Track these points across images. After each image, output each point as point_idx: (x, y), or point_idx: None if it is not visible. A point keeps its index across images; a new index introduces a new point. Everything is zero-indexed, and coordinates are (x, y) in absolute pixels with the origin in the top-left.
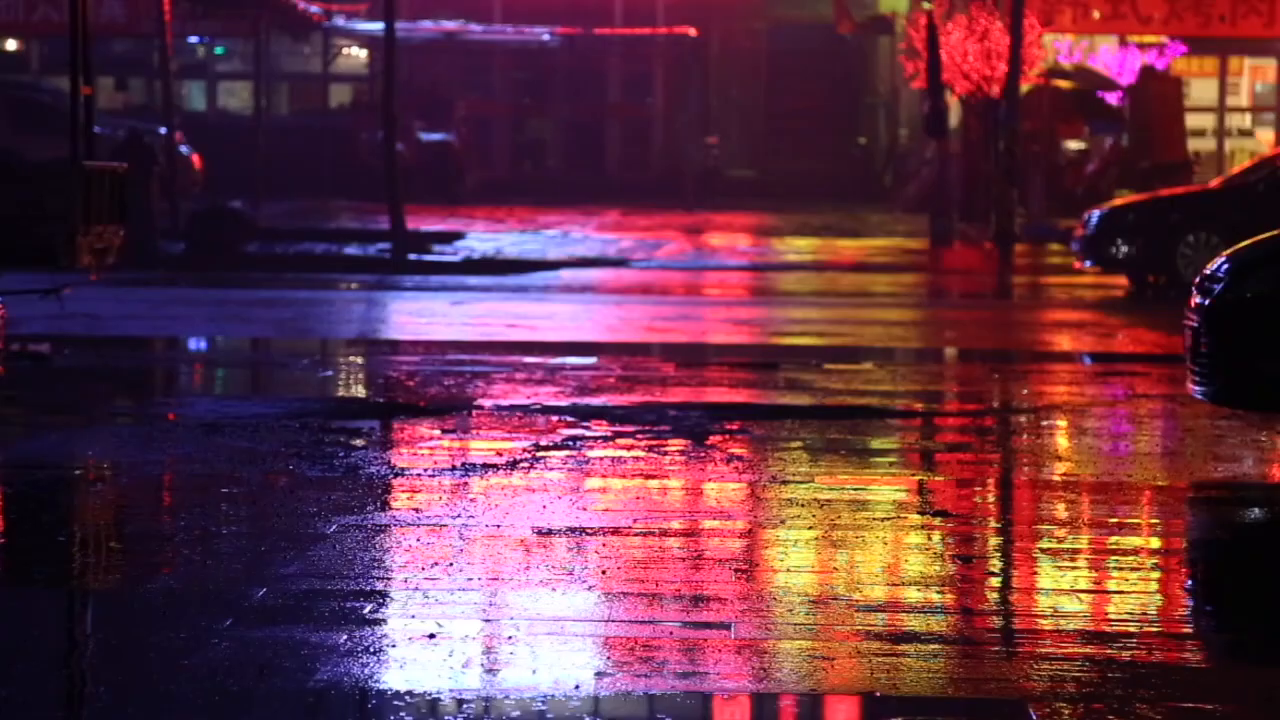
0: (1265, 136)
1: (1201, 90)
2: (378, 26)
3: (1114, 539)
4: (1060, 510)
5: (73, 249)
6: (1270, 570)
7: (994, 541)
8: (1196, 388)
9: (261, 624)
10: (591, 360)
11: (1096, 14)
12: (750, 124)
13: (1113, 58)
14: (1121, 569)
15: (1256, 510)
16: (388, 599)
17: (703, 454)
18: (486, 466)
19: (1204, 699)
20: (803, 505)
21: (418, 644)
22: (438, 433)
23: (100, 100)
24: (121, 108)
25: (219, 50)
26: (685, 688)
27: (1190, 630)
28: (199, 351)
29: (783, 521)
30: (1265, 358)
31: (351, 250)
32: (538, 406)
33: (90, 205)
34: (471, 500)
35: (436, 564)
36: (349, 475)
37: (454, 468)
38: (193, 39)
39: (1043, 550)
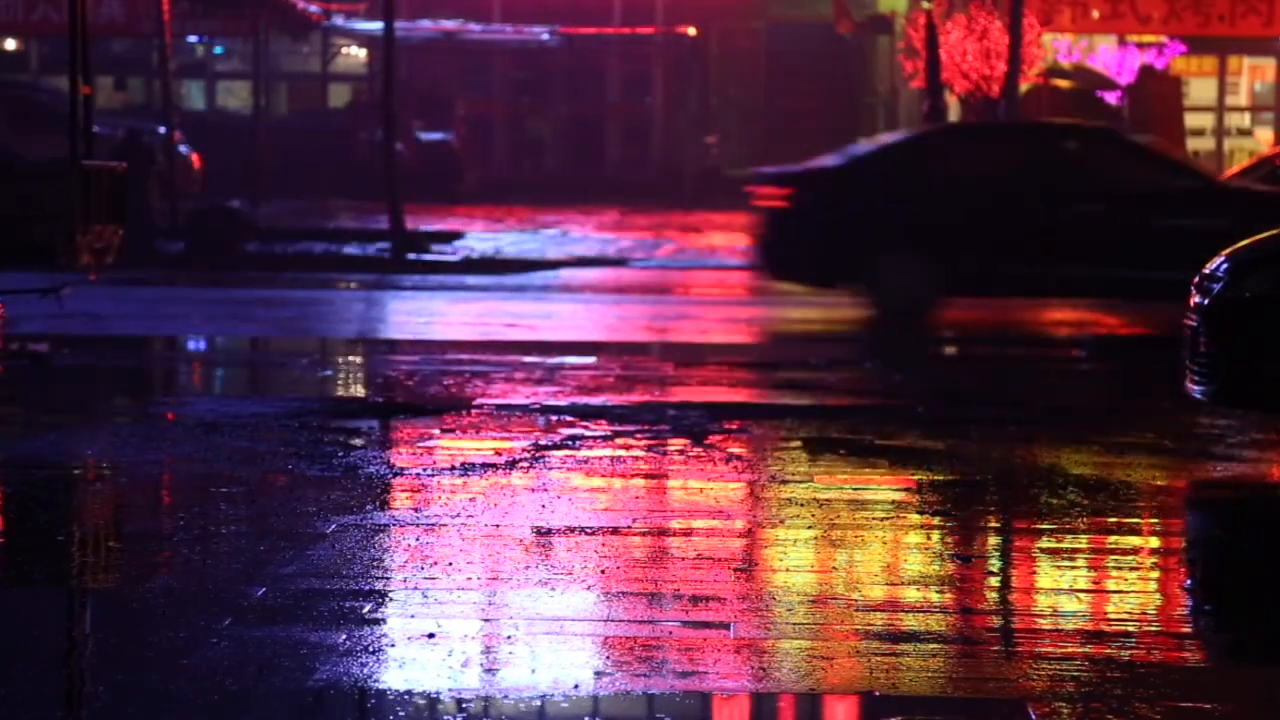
0: (1264, 136)
1: (1200, 90)
2: (377, 26)
3: (1114, 539)
4: (1060, 510)
5: (72, 248)
6: (1270, 570)
7: (993, 541)
8: (1195, 387)
9: (260, 623)
10: (591, 360)
11: (1095, 13)
12: (750, 124)
13: (1112, 57)
14: (1121, 569)
15: (1256, 510)
16: (387, 598)
17: (702, 453)
18: (486, 466)
19: (1203, 699)
20: (802, 505)
21: (417, 643)
22: (437, 432)
23: (99, 100)
24: (121, 107)
25: (218, 50)
26: (684, 687)
27: (1189, 630)
28: (198, 351)
29: (782, 521)
30: (1264, 358)
31: (350, 250)
32: (537, 406)
33: (90, 205)
34: (471, 500)
35: (436, 563)
36: (348, 475)
37: (453, 467)
38: (192, 39)
39: (1042, 550)
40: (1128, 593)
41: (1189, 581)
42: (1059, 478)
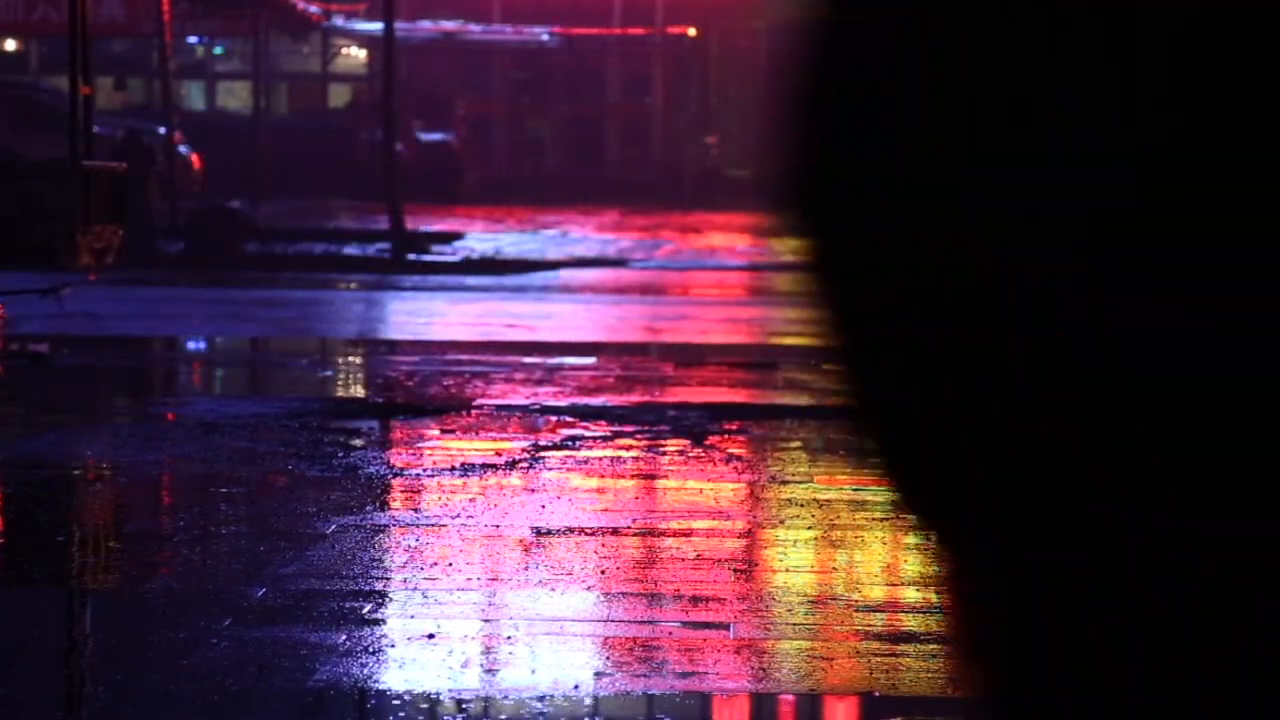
0: None
1: None
2: (377, 26)
3: None
4: None
5: (72, 249)
6: None
7: None
8: None
9: (260, 624)
10: (590, 360)
11: None
12: (750, 124)
13: None
14: None
15: None
16: (387, 599)
17: (702, 454)
18: (486, 466)
19: None
20: (802, 505)
21: (417, 644)
22: (437, 433)
23: (99, 100)
24: (120, 108)
25: (218, 50)
26: (684, 688)
27: None
28: (198, 351)
29: (782, 521)
30: None
31: (350, 250)
32: (537, 406)
33: (89, 205)
34: (471, 500)
35: (436, 564)
36: (348, 475)
37: (453, 468)
38: (192, 39)
39: None
40: None
41: None
42: None
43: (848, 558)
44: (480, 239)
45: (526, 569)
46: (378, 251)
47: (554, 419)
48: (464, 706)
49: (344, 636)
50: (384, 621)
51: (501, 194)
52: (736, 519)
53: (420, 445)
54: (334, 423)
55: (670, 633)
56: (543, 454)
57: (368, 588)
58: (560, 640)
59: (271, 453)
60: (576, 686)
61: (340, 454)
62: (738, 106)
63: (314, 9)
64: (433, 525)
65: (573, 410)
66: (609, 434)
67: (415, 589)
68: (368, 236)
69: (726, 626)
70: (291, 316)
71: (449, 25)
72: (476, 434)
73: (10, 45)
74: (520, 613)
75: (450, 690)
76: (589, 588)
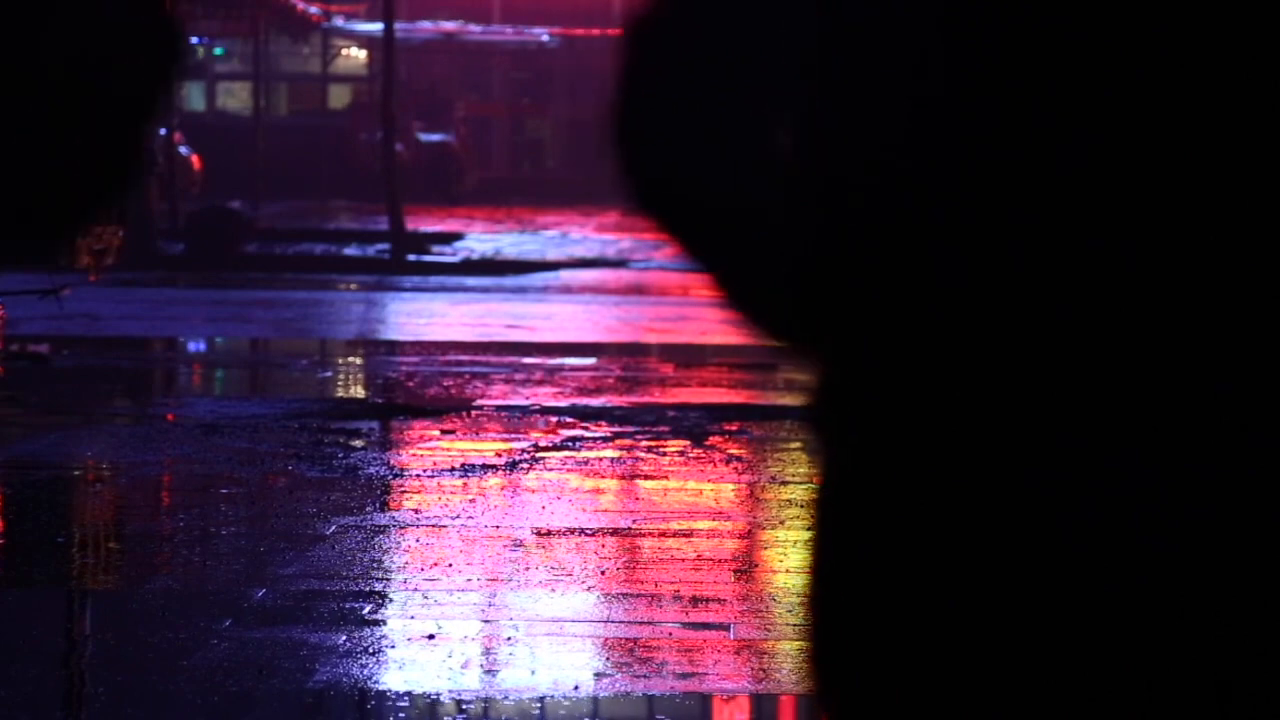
0: None
1: None
2: (377, 27)
3: None
4: None
5: (72, 249)
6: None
7: None
8: None
9: (261, 624)
10: (590, 361)
11: None
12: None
13: None
14: None
15: None
16: (387, 600)
17: (702, 454)
18: (486, 467)
19: None
20: (802, 505)
21: (417, 645)
22: (437, 433)
23: None
24: None
25: (218, 51)
26: (684, 688)
27: None
28: (198, 352)
29: (782, 522)
30: None
31: (350, 251)
32: (537, 407)
33: None
34: (471, 501)
35: (436, 565)
36: (348, 476)
37: (453, 468)
38: (192, 39)
39: None
40: None
41: None
42: None
43: None
44: (480, 240)
45: (526, 569)
46: (377, 252)
47: (554, 419)
48: (464, 707)
49: (344, 637)
50: (384, 622)
51: (501, 195)
52: (736, 519)
53: (420, 446)
54: (334, 423)
55: (670, 633)
56: (543, 454)
57: (368, 588)
58: (560, 641)
59: (271, 453)
60: (576, 687)
61: (340, 455)
62: None
63: (314, 9)
64: (433, 526)
65: (573, 411)
66: (609, 435)
67: (415, 589)
68: (367, 237)
69: (726, 627)
70: (291, 317)
71: (449, 26)
72: (476, 434)
73: None
74: (520, 613)
75: (450, 691)
76: (589, 588)
